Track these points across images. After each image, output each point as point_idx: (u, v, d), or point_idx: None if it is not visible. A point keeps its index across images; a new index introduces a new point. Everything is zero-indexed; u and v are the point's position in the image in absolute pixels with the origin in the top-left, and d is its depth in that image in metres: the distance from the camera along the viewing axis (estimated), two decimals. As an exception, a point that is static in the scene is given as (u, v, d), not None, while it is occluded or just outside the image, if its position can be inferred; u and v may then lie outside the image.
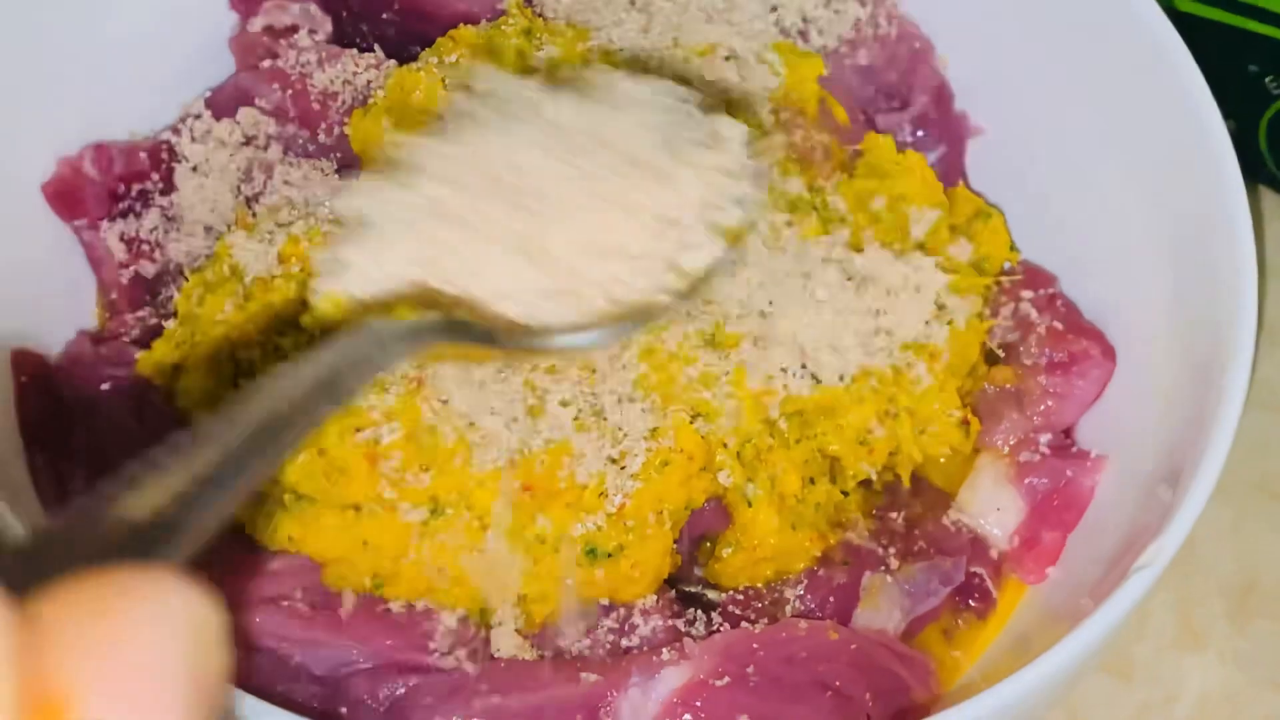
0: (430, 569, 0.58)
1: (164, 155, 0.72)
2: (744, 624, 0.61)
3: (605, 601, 0.60)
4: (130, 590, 0.20)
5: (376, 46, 0.75)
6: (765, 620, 0.61)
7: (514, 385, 0.59)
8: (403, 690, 0.57)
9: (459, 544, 0.58)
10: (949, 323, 0.64)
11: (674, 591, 0.63)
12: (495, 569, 0.58)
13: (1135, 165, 0.69)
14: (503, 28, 0.70)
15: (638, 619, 0.60)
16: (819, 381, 0.62)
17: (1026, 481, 0.66)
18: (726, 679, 0.57)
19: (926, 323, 0.64)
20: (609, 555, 0.59)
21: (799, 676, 0.58)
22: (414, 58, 0.70)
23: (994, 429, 0.67)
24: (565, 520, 0.58)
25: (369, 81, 0.71)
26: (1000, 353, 0.69)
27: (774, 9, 0.74)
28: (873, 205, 0.67)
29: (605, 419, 0.59)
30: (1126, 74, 0.69)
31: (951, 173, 0.76)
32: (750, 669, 0.57)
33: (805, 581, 0.63)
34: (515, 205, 0.51)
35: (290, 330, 0.61)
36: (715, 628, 0.61)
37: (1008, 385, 0.68)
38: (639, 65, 0.66)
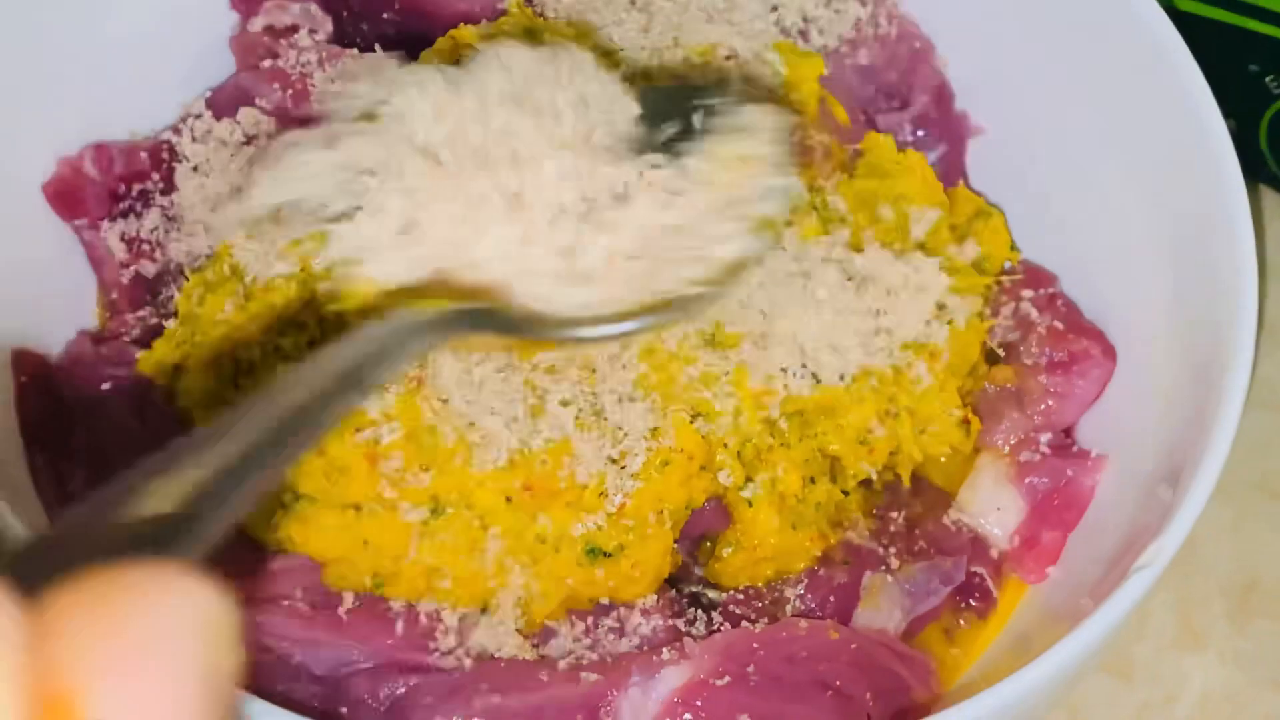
0: (431, 569, 0.58)
1: (164, 155, 0.72)
2: (744, 624, 0.61)
3: (605, 601, 0.60)
4: (141, 587, 0.20)
5: (377, 46, 0.75)
6: (766, 620, 0.61)
7: (514, 385, 0.59)
8: (403, 690, 0.57)
9: (459, 544, 0.58)
10: (949, 322, 0.64)
11: (674, 591, 0.63)
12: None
13: (1136, 164, 0.69)
14: (504, 27, 0.70)
15: (638, 619, 0.60)
16: (819, 381, 0.62)
17: (1027, 481, 0.66)
18: (727, 678, 0.57)
19: (927, 322, 0.64)
20: (609, 555, 0.59)
21: (799, 676, 0.58)
22: (415, 57, 0.70)
23: (994, 428, 0.67)
24: (565, 520, 0.58)
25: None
26: (1001, 352, 0.69)
27: (774, 9, 0.74)
28: (873, 205, 0.67)
29: (605, 419, 0.59)
30: (1127, 73, 0.68)
31: (952, 172, 0.76)
32: (751, 668, 0.57)
33: (806, 581, 0.63)
34: (535, 197, 0.50)
35: (291, 330, 0.61)
36: (716, 627, 0.61)
37: (1008, 385, 0.68)
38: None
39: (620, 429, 0.59)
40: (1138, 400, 0.67)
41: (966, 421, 0.66)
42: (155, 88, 0.74)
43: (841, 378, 0.62)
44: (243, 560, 0.59)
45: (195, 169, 0.71)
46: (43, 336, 0.69)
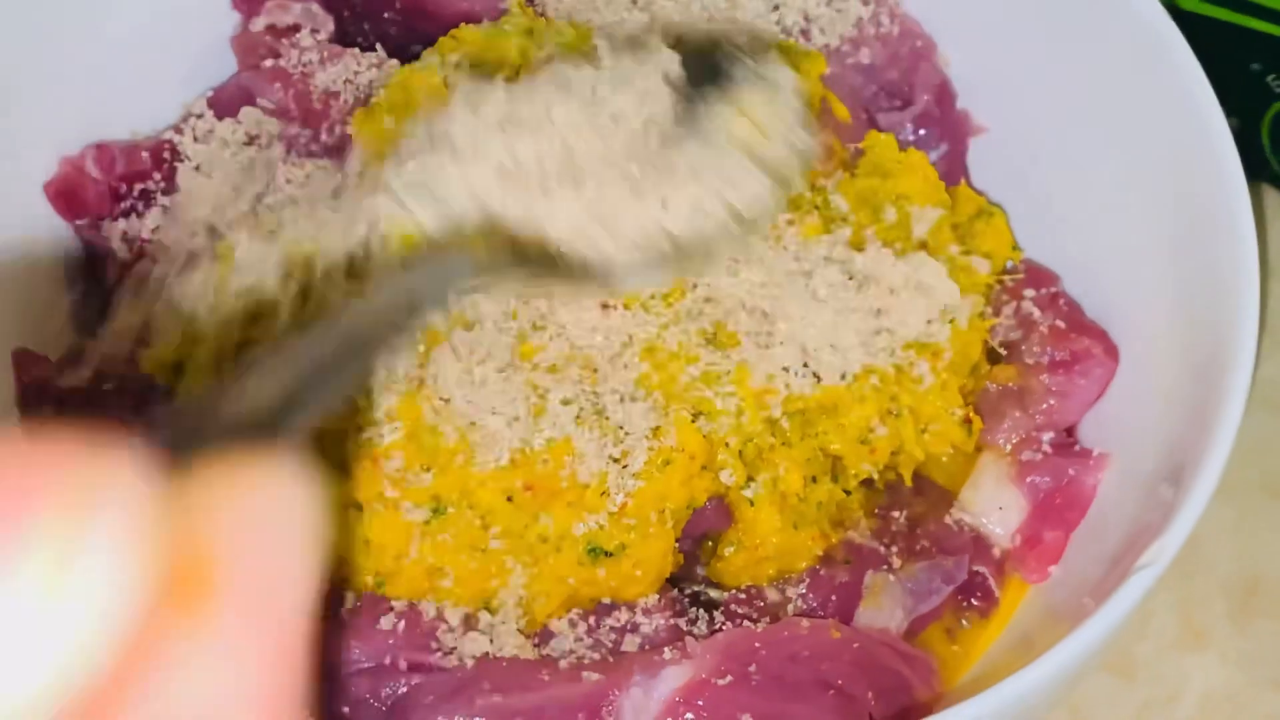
0: (432, 568, 0.58)
1: (166, 154, 0.72)
2: (746, 623, 0.61)
3: (607, 600, 0.60)
4: (270, 471, 0.21)
5: (379, 45, 0.75)
6: (767, 619, 0.61)
7: (515, 384, 0.59)
8: (404, 689, 0.57)
9: (461, 543, 0.58)
10: (951, 321, 0.64)
11: (676, 590, 0.63)
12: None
13: (1137, 164, 0.69)
14: (505, 27, 0.70)
15: (640, 618, 0.60)
16: (821, 380, 0.62)
17: (1029, 480, 0.66)
18: (729, 678, 0.57)
19: (928, 321, 0.64)
20: (611, 554, 0.59)
21: (801, 675, 0.58)
22: (416, 57, 0.70)
23: (996, 428, 0.67)
24: (567, 519, 0.58)
25: (371, 81, 0.72)
26: (1002, 351, 0.69)
27: (776, 7, 0.74)
28: (875, 204, 0.67)
29: (607, 418, 0.59)
30: (1129, 72, 0.68)
31: (954, 171, 0.76)
32: (752, 668, 0.57)
33: (807, 580, 0.63)
34: (566, 156, 0.53)
35: (293, 329, 0.62)
36: (717, 627, 0.61)
37: (1010, 384, 0.68)
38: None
39: (622, 428, 0.59)
40: (1140, 399, 0.67)
41: (968, 421, 0.66)
42: (157, 87, 0.74)
43: (843, 377, 0.62)
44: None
45: (197, 168, 0.71)
46: (44, 336, 0.69)
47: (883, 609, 0.63)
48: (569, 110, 0.54)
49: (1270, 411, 0.78)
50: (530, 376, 0.59)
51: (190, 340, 0.63)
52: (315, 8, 0.75)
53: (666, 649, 0.58)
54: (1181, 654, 0.72)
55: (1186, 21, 0.68)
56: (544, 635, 0.59)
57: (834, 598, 0.63)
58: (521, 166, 0.53)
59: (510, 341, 0.59)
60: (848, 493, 0.65)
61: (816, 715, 0.57)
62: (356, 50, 0.73)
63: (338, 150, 0.71)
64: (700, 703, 0.56)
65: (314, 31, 0.75)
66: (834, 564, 0.64)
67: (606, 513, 0.58)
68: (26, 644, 0.17)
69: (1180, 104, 0.65)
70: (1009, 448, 0.67)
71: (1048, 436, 0.67)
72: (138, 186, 0.72)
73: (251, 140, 0.71)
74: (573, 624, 0.60)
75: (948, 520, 0.66)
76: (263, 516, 0.20)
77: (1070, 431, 0.69)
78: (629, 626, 0.60)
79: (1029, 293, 0.70)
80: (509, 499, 0.58)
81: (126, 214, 0.72)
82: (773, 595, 0.63)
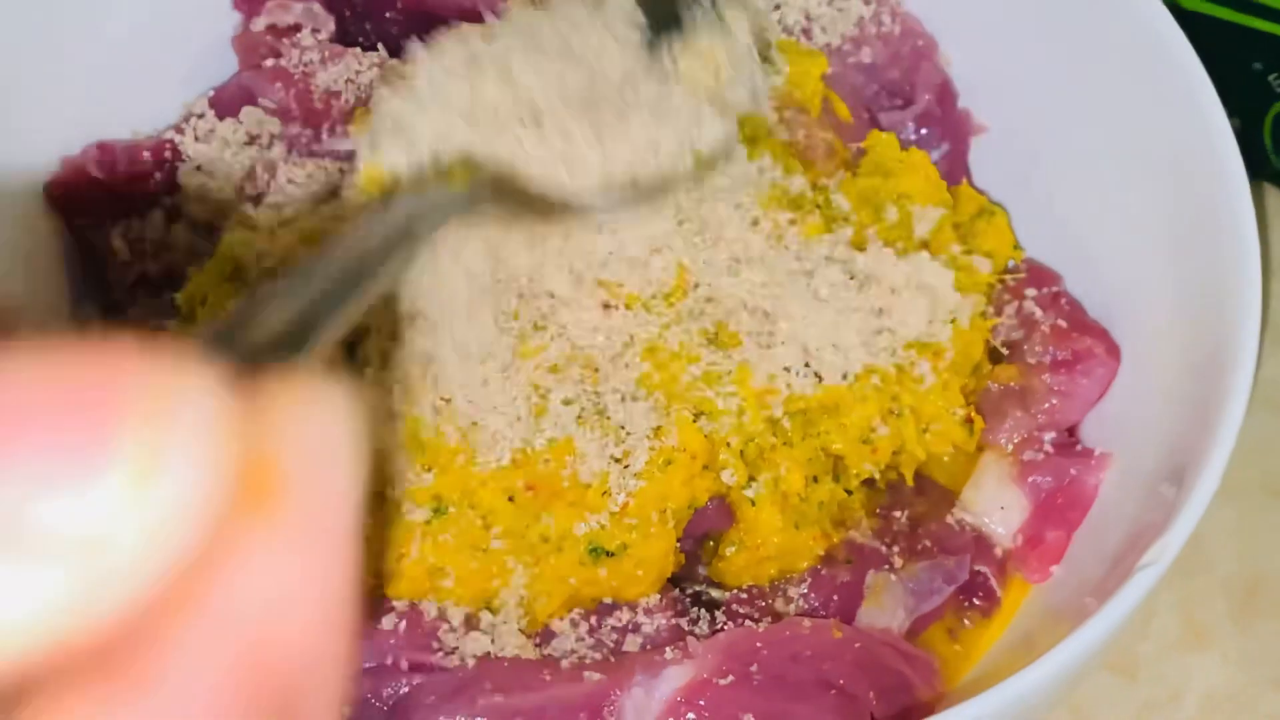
0: (433, 568, 0.58)
1: (167, 154, 0.72)
2: (748, 623, 0.61)
3: (609, 600, 0.60)
4: (311, 382, 0.21)
5: (379, 45, 0.75)
6: (769, 619, 0.61)
7: (517, 384, 0.59)
8: (406, 689, 0.57)
9: (462, 543, 0.58)
10: (952, 321, 0.64)
11: (677, 590, 0.63)
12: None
13: (1139, 163, 0.69)
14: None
15: (641, 618, 0.60)
16: (822, 380, 0.62)
17: (1030, 480, 0.66)
18: (730, 678, 0.57)
19: (930, 321, 0.64)
20: (612, 554, 0.59)
21: (803, 675, 0.58)
22: (417, 56, 0.70)
23: (998, 427, 0.67)
24: (568, 519, 0.58)
25: (372, 81, 0.72)
26: (1004, 351, 0.69)
27: (777, 6, 0.74)
28: (876, 203, 0.67)
29: (608, 418, 0.59)
30: (1130, 71, 0.68)
31: (955, 170, 0.76)
32: (754, 668, 0.57)
33: (809, 580, 0.63)
34: (529, 99, 0.55)
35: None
36: (719, 626, 0.61)
37: (1012, 383, 0.68)
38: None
39: (623, 428, 0.59)
40: (1141, 399, 0.67)
41: (970, 420, 0.66)
42: (158, 87, 0.74)
43: (844, 377, 0.62)
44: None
45: (198, 168, 0.71)
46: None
47: (884, 609, 0.63)
48: (529, 56, 0.56)
49: (1272, 411, 0.78)
50: (532, 376, 0.59)
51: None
52: (316, 7, 0.75)
53: (668, 649, 0.58)
54: (1183, 654, 0.72)
55: (1188, 21, 0.68)
56: (545, 635, 0.59)
57: (835, 597, 0.63)
58: (486, 110, 0.55)
59: (511, 341, 0.59)
60: (849, 492, 0.65)
61: (818, 715, 0.57)
62: (358, 50, 0.73)
63: (339, 150, 0.71)
64: (702, 702, 0.56)
65: (315, 31, 0.75)
66: (835, 564, 0.64)
67: (608, 512, 0.58)
68: (112, 549, 0.17)
69: (1182, 103, 0.65)
70: (1010, 447, 0.67)
71: (1049, 436, 0.67)
72: (139, 187, 0.72)
73: (252, 140, 0.71)
74: (574, 624, 0.60)
75: (949, 520, 0.66)
76: (313, 423, 0.21)
77: (1072, 431, 0.69)
78: (630, 626, 0.60)
79: (1030, 292, 0.70)
80: (510, 499, 0.58)
81: (127, 214, 0.72)
82: (774, 595, 0.63)
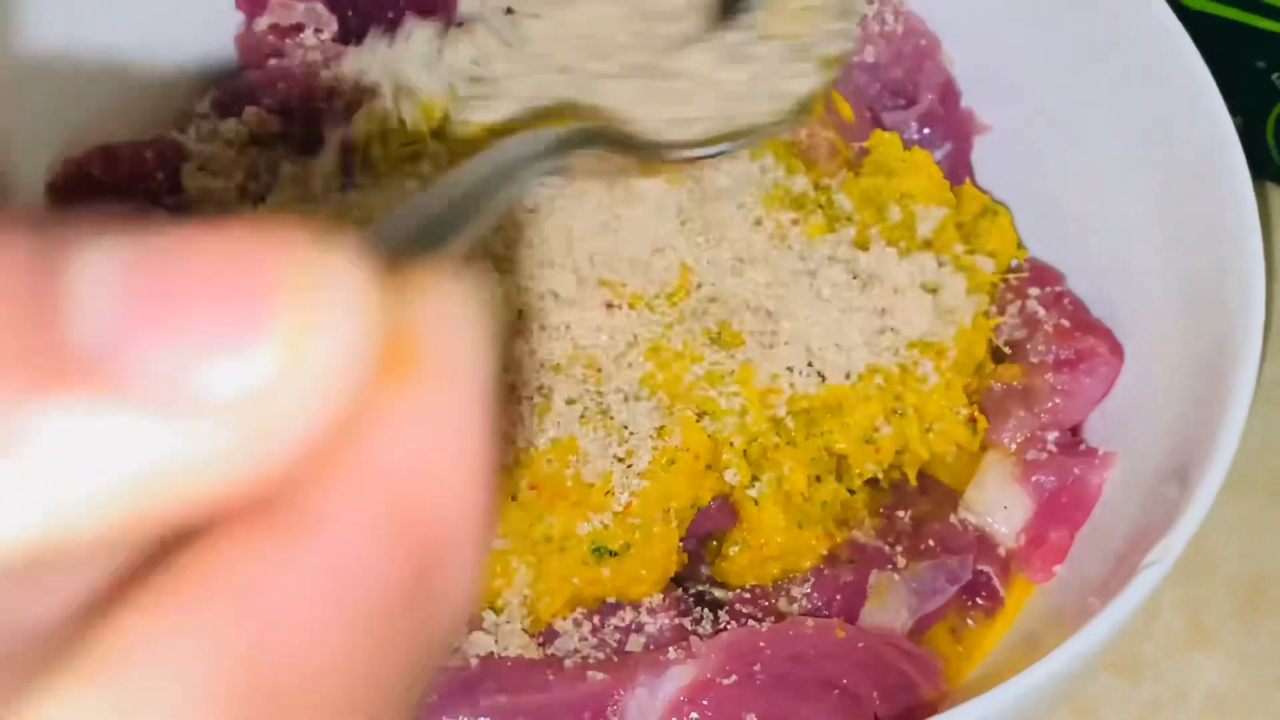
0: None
1: (170, 155, 0.72)
2: (751, 622, 0.61)
3: (612, 600, 0.60)
4: (444, 269, 0.22)
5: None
6: (772, 619, 0.61)
7: (519, 384, 0.59)
8: (409, 689, 0.57)
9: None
10: (955, 321, 0.64)
11: (681, 590, 0.63)
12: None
13: (1142, 162, 0.69)
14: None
15: (644, 617, 0.60)
16: (825, 380, 0.62)
17: (1034, 479, 0.66)
18: (733, 677, 0.57)
19: (933, 320, 0.64)
20: (615, 554, 0.59)
21: (806, 675, 0.58)
22: (419, 56, 0.70)
23: (1001, 427, 0.67)
24: (572, 519, 0.58)
25: (374, 80, 0.71)
26: (1007, 350, 0.69)
27: (779, 6, 0.73)
28: (879, 203, 0.67)
29: (611, 418, 0.59)
30: (1133, 70, 0.68)
31: (958, 170, 0.76)
32: (757, 667, 0.57)
33: (812, 580, 0.63)
34: (635, 44, 0.57)
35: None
36: (722, 626, 0.61)
37: (1015, 383, 0.68)
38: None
39: (626, 428, 0.59)
40: (1145, 398, 0.67)
41: (973, 420, 0.66)
42: (160, 87, 0.74)
43: (847, 376, 0.62)
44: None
45: (201, 168, 0.71)
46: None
47: (887, 608, 0.63)
48: (611, 5, 0.58)
49: (1276, 410, 0.78)
50: (534, 376, 0.59)
51: None
52: (319, 7, 0.75)
53: (671, 648, 0.58)
54: (1187, 653, 0.72)
55: (1192, 19, 0.68)
56: (549, 635, 0.59)
57: (839, 597, 0.63)
58: (575, 57, 0.57)
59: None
60: (852, 492, 0.65)
61: (821, 715, 0.57)
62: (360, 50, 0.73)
63: (339, 149, 0.71)
64: (705, 702, 0.56)
65: (318, 31, 0.75)
66: (838, 563, 0.64)
67: (611, 512, 0.58)
68: (271, 407, 0.19)
69: (1186, 102, 0.65)
70: (1014, 447, 0.67)
71: (1053, 435, 0.67)
72: (142, 187, 0.72)
73: (255, 140, 0.71)
74: (577, 623, 0.60)
75: (952, 519, 0.66)
76: (449, 306, 0.22)
77: (1075, 430, 0.69)
78: (634, 626, 0.60)
79: (1033, 291, 0.70)
80: (513, 498, 0.58)
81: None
82: (777, 595, 0.63)
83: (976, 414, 0.66)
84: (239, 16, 0.76)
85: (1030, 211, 0.74)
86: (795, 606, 0.63)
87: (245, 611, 0.19)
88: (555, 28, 0.58)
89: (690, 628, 0.60)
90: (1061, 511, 0.66)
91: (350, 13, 0.76)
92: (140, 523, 0.19)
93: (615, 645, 0.59)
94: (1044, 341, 0.68)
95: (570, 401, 0.59)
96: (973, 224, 0.70)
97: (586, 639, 0.59)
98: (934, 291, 0.64)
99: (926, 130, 0.76)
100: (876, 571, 0.63)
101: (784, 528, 0.62)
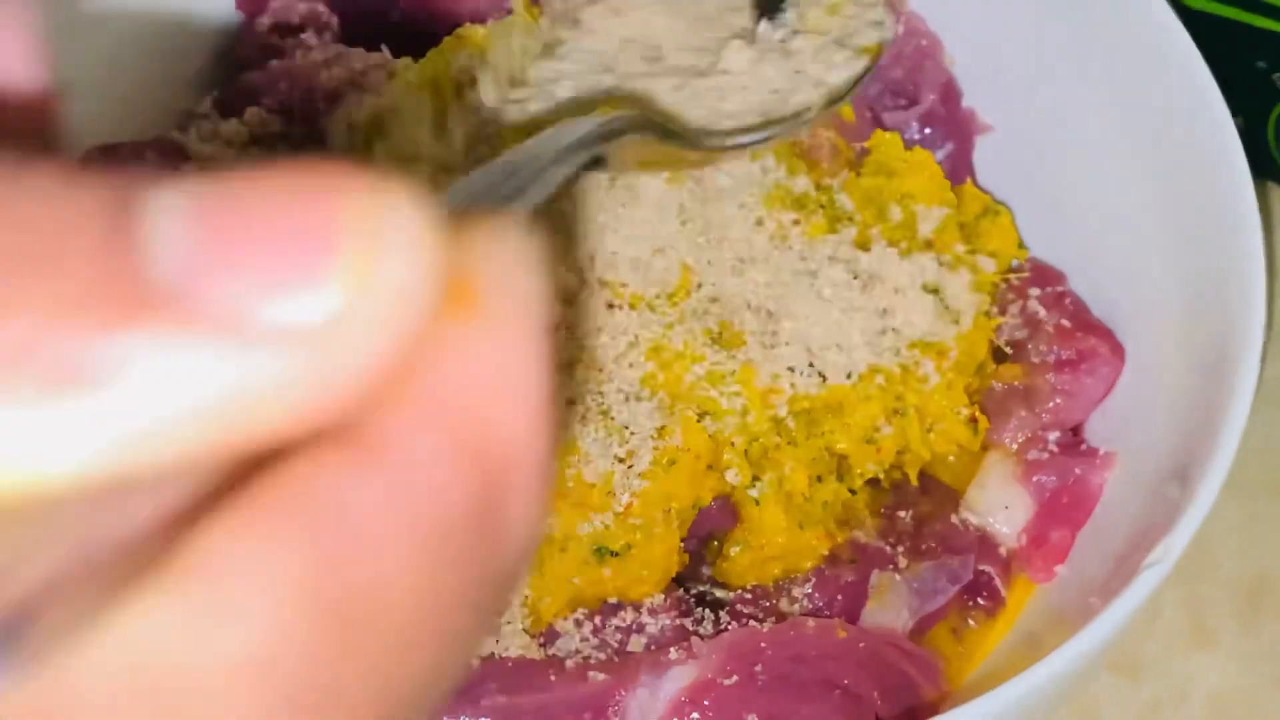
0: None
1: (171, 155, 0.72)
2: (752, 623, 0.61)
3: (613, 600, 0.60)
4: (516, 226, 0.23)
5: (383, 46, 0.75)
6: (773, 619, 0.61)
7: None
8: (410, 689, 0.57)
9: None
10: (956, 321, 0.64)
11: (682, 590, 0.63)
12: None
13: (1143, 162, 0.69)
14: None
15: (645, 618, 0.60)
16: (826, 380, 0.62)
17: (1035, 479, 0.66)
18: (734, 678, 0.57)
19: (934, 321, 0.64)
20: (616, 554, 0.59)
21: (807, 675, 0.58)
22: (421, 56, 0.70)
23: (1002, 427, 0.67)
24: (572, 519, 0.58)
25: (375, 81, 0.72)
26: (1008, 350, 0.69)
27: (780, 7, 0.73)
28: (880, 203, 0.67)
29: (612, 418, 0.59)
30: (1134, 70, 0.68)
31: (959, 170, 0.76)
32: (758, 668, 0.57)
33: (813, 580, 0.63)
34: (680, 48, 0.58)
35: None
36: (723, 626, 0.61)
37: (1016, 383, 0.68)
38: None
39: (627, 428, 0.59)
40: (1146, 398, 0.67)
41: (974, 420, 0.66)
42: (161, 87, 0.74)
43: (848, 376, 0.62)
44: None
45: (202, 168, 0.71)
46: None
47: (889, 608, 0.63)
48: (660, 14, 0.59)
49: (1277, 410, 0.78)
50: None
51: None
52: (320, 7, 0.75)
53: (672, 649, 0.58)
54: (1188, 653, 0.72)
55: (1192, 19, 0.68)
56: (550, 635, 0.59)
57: (840, 597, 0.63)
58: (625, 51, 0.58)
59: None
60: (853, 492, 0.65)
61: (823, 715, 0.57)
62: (362, 50, 0.73)
63: (340, 148, 0.71)
64: (706, 703, 0.56)
65: (319, 31, 0.75)
66: (840, 563, 0.64)
67: (612, 513, 0.58)
68: (338, 338, 0.20)
69: (1186, 102, 0.65)
70: (1015, 447, 0.67)
71: (1054, 435, 0.67)
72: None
73: (256, 140, 0.71)
74: (578, 624, 0.60)
75: (954, 520, 0.66)
76: (508, 253, 0.22)
77: (1076, 431, 0.69)
78: (635, 626, 0.60)
79: (1035, 291, 0.70)
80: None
81: (132, 214, 0.72)
82: (779, 595, 0.63)
83: (977, 414, 0.66)
84: (240, 16, 0.76)
85: (1031, 211, 0.74)
86: (796, 607, 0.63)
87: (322, 522, 0.20)
88: (604, 38, 0.59)
89: (691, 628, 0.60)
90: (1063, 511, 0.66)
91: (352, 12, 0.76)
92: (218, 448, 0.19)
93: (616, 646, 0.59)
94: (1045, 341, 0.68)
95: (570, 402, 0.59)
96: (974, 224, 0.70)
97: (588, 639, 0.59)
98: (935, 291, 0.64)
99: (928, 130, 0.76)
100: (878, 572, 0.63)
101: (785, 528, 0.62)
